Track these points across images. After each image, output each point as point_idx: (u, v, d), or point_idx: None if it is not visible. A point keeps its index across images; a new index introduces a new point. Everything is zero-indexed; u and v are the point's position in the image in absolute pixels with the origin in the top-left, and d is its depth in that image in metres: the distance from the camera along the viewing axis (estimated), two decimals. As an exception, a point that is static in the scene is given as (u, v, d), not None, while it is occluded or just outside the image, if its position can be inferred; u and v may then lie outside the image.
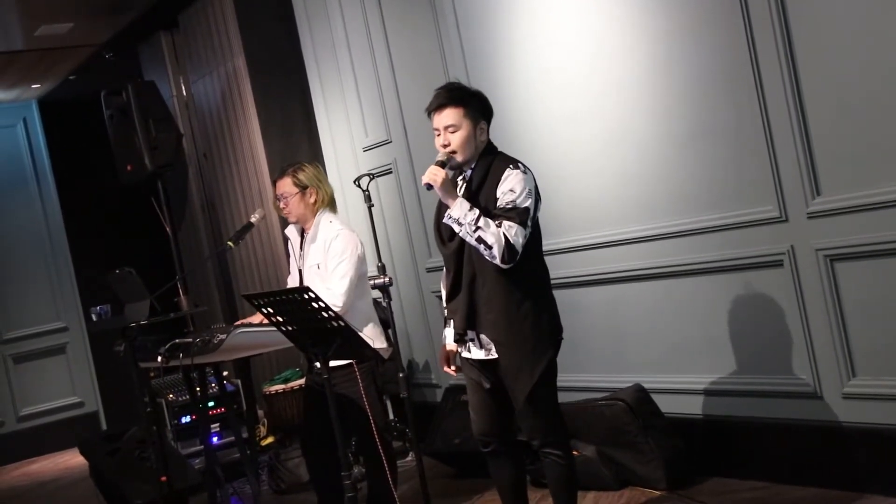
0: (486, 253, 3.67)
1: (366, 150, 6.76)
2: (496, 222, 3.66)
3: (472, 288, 3.80)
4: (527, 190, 3.73)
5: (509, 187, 3.72)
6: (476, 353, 3.87)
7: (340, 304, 4.47)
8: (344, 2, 6.66)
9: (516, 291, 3.74)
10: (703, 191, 4.56)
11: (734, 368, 4.64)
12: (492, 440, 3.98)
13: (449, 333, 3.99)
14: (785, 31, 4.06)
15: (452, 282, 3.87)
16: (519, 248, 3.67)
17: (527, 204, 3.71)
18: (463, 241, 3.78)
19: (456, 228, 3.71)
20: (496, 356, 3.80)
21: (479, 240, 3.65)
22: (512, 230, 3.65)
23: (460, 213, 3.68)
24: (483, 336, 3.82)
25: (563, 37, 5.09)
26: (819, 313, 4.19)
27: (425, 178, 3.74)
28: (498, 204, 3.72)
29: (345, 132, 6.97)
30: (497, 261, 3.66)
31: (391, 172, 6.50)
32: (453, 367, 4.00)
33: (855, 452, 4.18)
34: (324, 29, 6.94)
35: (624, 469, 4.85)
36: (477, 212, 3.67)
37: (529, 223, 3.72)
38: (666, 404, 4.92)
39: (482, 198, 3.77)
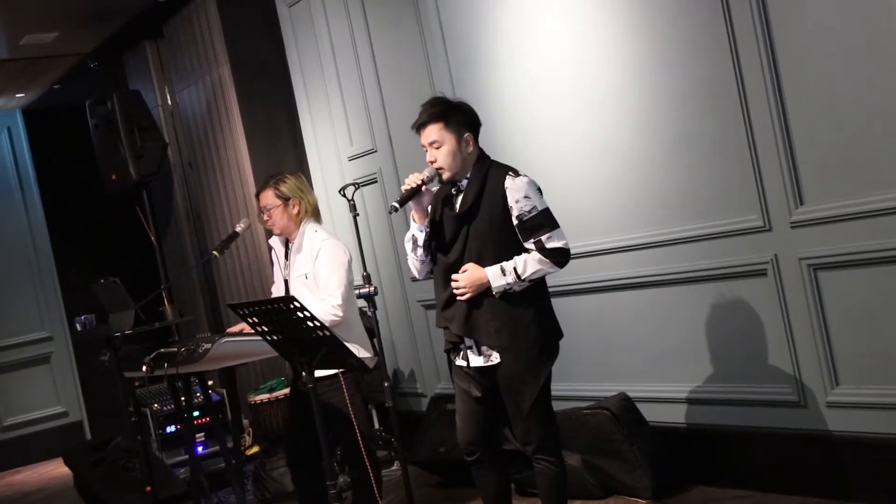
0: (548, 276, 3.79)
1: (351, 159, 6.77)
2: (532, 241, 3.72)
3: (473, 296, 3.80)
4: (537, 192, 3.79)
5: (522, 195, 3.75)
6: (474, 361, 3.86)
7: (340, 315, 4.47)
8: (329, 12, 6.67)
9: (520, 297, 3.75)
10: (687, 200, 4.58)
11: (718, 377, 4.66)
12: (477, 449, 3.97)
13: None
14: (768, 41, 4.08)
15: (452, 291, 3.86)
16: (566, 246, 3.76)
17: (546, 205, 3.78)
18: (463, 251, 3.81)
19: (510, 290, 3.74)
20: (495, 362, 3.80)
21: (532, 279, 3.73)
22: (551, 241, 3.73)
23: (502, 281, 3.73)
24: (483, 344, 3.83)
25: (549, 48, 5.11)
26: (802, 322, 4.21)
27: (462, 296, 3.79)
28: (518, 216, 3.74)
29: (330, 141, 6.97)
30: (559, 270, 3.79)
31: (376, 182, 6.51)
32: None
33: (839, 461, 4.20)
34: (309, 38, 6.94)
35: (609, 478, 4.86)
36: (510, 267, 3.72)
37: (555, 218, 3.78)
38: (650, 413, 4.93)
39: (484, 207, 3.79)
